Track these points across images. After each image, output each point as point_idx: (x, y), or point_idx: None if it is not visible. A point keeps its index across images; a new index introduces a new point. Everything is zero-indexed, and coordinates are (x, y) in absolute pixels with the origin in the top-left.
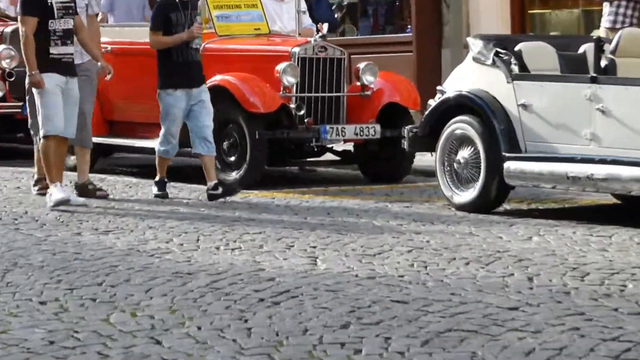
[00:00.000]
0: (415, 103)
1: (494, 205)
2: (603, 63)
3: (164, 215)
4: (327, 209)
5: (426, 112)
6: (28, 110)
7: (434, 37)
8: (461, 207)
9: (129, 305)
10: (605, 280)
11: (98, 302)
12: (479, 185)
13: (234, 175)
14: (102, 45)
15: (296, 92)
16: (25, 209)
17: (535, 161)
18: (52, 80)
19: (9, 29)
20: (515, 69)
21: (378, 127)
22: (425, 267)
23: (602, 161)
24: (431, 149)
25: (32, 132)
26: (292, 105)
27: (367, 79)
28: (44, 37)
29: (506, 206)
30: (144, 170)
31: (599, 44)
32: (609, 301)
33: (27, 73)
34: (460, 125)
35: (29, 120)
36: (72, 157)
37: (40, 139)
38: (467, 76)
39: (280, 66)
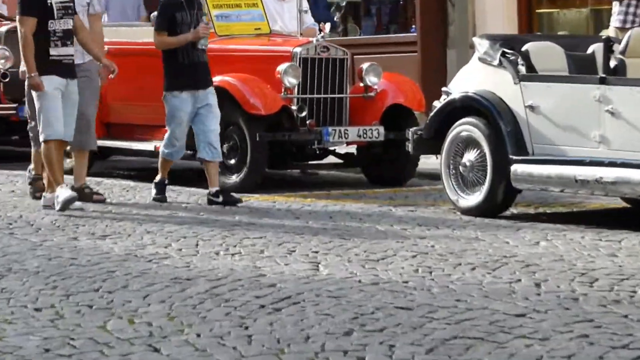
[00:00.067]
0: (419, 104)
1: (500, 209)
2: (612, 63)
3: (162, 219)
4: (329, 213)
5: (431, 114)
6: (28, 112)
7: (439, 37)
8: (467, 211)
9: (127, 311)
10: (615, 286)
11: (95, 309)
12: (485, 188)
13: (234, 178)
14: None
15: (298, 94)
16: (20, 213)
17: (542, 164)
18: (52, 82)
19: (3, 29)
20: (523, 69)
21: (382, 129)
22: (430, 272)
23: (612, 164)
24: (436, 151)
25: (30, 135)
26: (294, 107)
27: (371, 79)
28: (44, 38)
29: (513, 210)
30: (141, 173)
31: (608, 44)
32: (618, 307)
33: (26, 75)
34: (466, 127)
35: (29, 123)
36: (69, 160)
37: (41, 144)
38: (473, 77)
39: (282, 67)
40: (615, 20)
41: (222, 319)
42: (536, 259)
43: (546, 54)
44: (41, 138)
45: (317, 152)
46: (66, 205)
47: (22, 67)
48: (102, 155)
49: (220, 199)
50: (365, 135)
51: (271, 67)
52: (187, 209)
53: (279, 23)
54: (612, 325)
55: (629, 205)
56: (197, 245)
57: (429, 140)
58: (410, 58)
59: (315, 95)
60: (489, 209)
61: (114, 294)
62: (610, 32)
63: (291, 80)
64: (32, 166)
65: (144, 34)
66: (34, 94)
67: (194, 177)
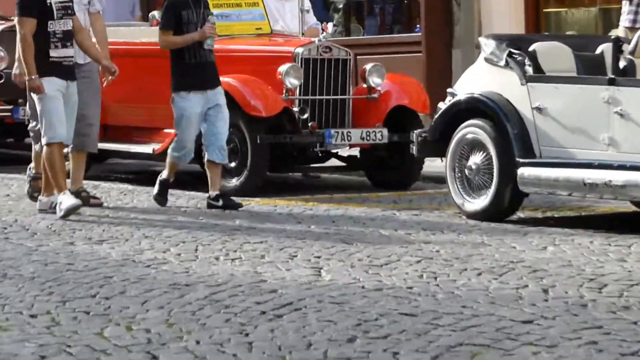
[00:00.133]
0: (424, 106)
1: (507, 213)
2: (622, 64)
3: (160, 223)
4: (331, 218)
5: (436, 116)
6: (28, 112)
7: (444, 37)
8: (473, 216)
9: (124, 318)
10: (624, 292)
11: (91, 315)
12: (491, 192)
13: (234, 182)
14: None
15: (299, 95)
16: (16, 217)
17: (550, 167)
18: (52, 84)
19: None
20: (530, 70)
21: (385, 131)
22: (435, 278)
23: (621, 167)
24: (441, 154)
25: (31, 135)
26: (295, 109)
27: (374, 80)
28: (44, 39)
29: (520, 214)
30: (139, 176)
31: (618, 44)
32: (627, 314)
33: (26, 77)
34: (472, 129)
35: (30, 122)
36: (66, 163)
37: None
38: (479, 78)
39: (283, 67)
40: (625, 20)
41: (222, 325)
42: (544, 264)
43: (554, 54)
44: (43, 141)
45: (320, 154)
46: (69, 212)
47: (15, 70)
48: (99, 158)
49: (220, 202)
50: (368, 138)
51: (272, 68)
52: (186, 213)
53: (280, 23)
54: (622, 332)
55: (638, 209)
56: (196, 250)
57: (433, 143)
58: (414, 58)
59: (318, 97)
60: (496, 213)
61: (112, 300)
62: (619, 32)
63: (293, 81)
64: (32, 164)
65: (141, 34)
66: (34, 96)
67: (191, 180)
